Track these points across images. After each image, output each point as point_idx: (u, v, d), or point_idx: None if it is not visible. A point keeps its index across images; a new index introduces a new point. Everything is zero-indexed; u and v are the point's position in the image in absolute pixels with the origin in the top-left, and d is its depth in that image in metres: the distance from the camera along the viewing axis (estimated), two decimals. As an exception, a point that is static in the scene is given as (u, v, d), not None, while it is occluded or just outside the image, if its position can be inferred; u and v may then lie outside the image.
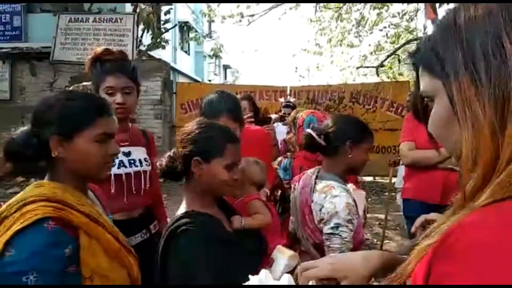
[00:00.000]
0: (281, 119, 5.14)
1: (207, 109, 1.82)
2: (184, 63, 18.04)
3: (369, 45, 13.80)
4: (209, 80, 21.14)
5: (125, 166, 1.79)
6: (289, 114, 5.06)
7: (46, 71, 9.02)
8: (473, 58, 0.55)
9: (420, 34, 11.31)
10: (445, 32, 0.61)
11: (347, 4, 10.62)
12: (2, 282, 0.97)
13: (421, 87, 0.66)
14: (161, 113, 8.11)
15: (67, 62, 8.53)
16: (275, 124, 5.10)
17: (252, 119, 2.90)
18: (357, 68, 14.39)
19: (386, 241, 4.94)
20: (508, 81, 0.52)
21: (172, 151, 1.37)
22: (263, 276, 0.90)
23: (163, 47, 10.19)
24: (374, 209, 6.78)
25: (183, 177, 1.35)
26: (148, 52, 9.99)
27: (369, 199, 7.66)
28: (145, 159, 1.87)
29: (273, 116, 5.44)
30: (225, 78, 29.14)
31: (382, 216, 6.15)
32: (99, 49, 1.80)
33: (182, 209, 1.32)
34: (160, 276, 1.20)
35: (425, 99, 0.67)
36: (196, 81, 16.68)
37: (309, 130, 1.70)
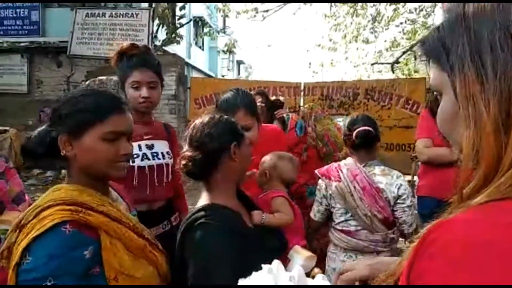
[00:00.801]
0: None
1: (223, 105, 1.82)
2: (198, 59, 18.10)
3: (385, 41, 13.60)
4: (223, 76, 21.16)
5: (148, 159, 1.83)
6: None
7: (63, 65, 9.16)
8: (480, 51, 0.53)
9: (437, 30, 11.10)
10: (453, 22, 0.58)
11: (363, -1, 10.49)
12: None
13: (431, 80, 0.64)
14: (176, 108, 8.16)
15: (84, 56, 8.68)
16: None
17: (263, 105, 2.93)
18: (372, 64, 14.21)
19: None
20: None
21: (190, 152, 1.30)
22: (275, 267, 0.88)
23: (178, 42, 10.24)
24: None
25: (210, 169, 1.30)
26: (163, 47, 10.05)
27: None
28: (167, 153, 1.92)
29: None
30: (239, 73, 29.13)
31: (396, 214, 6.11)
32: (125, 44, 1.83)
33: (201, 201, 1.31)
34: (179, 269, 1.21)
35: (435, 93, 0.65)
36: (209, 76, 16.72)
37: (367, 128, 1.98)
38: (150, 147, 1.86)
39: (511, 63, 0.51)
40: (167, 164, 1.88)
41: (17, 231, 1.03)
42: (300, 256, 1.28)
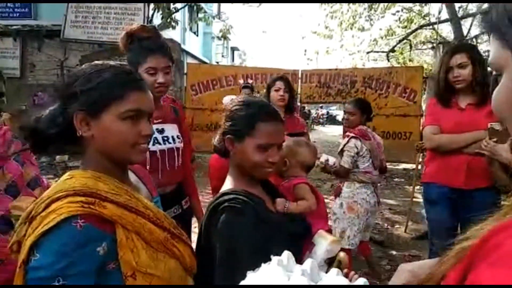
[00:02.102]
0: None
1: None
2: (193, 44, 17.89)
3: (380, 29, 13.59)
4: (217, 62, 20.97)
5: (159, 143, 1.82)
6: (248, 95, 5.26)
7: (56, 49, 8.98)
8: None
9: (433, 19, 11.10)
10: None
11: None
12: None
13: (490, 58, 0.60)
14: (173, 94, 8.09)
15: (78, 40, 8.52)
16: None
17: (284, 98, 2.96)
18: (368, 52, 14.19)
19: (397, 225, 4.97)
20: None
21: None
22: (285, 258, 0.86)
23: (173, 27, 10.09)
24: (383, 194, 6.79)
25: (228, 153, 1.32)
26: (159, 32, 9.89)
27: (379, 185, 7.67)
28: (177, 136, 1.91)
29: (232, 96, 5.64)
30: (233, 60, 28.88)
31: (392, 202, 6.18)
32: (134, 26, 1.76)
33: (226, 186, 1.30)
34: (205, 251, 1.20)
35: (494, 72, 0.61)
36: (204, 62, 16.55)
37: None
38: (161, 131, 1.85)
39: None
40: (177, 148, 1.89)
41: (27, 223, 0.96)
42: (325, 240, 1.26)
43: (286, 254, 0.88)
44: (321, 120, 24.74)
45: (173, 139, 1.89)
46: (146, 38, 1.76)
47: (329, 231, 1.39)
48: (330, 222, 3.02)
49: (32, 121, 1.05)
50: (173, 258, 1.06)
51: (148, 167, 1.72)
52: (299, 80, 7.95)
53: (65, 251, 0.88)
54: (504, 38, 0.55)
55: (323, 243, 1.25)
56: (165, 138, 1.86)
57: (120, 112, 1.01)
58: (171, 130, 1.90)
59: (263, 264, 0.85)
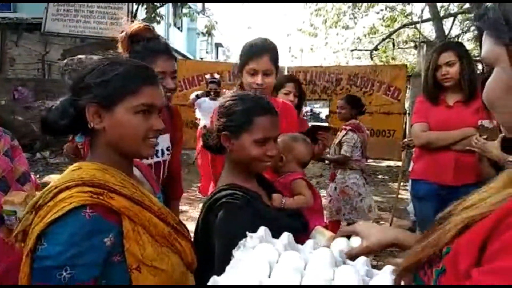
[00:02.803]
0: (207, 94, 5.48)
1: (250, 49, 1.83)
2: (177, 40, 17.70)
3: (364, 27, 13.73)
4: (201, 58, 20.82)
5: (147, 158, 1.74)
6: (215, 89, 5.40)
7: (37, 43, 8.77)
8: None
9: (415, 18, 11.28)
10: None
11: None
12: (35, 279, 0.89)
13: (483, 53, 0.65)
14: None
15: (60, 34, 8.31)
16: (202, 99, 5.42)
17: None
18: (352, 50, 14.32)
19: (382, 222, 5.05)
20: None
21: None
22: (263, 233, 0.87)
23: (158, 22, 9.96)
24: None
25: (221, 150, 1.32)
26: (142, 27, 9.75)
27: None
28: (167, 148, 1.83)
29: (198, 92, 5.75)
30: (217, 56, 28.73)
31: (376, 198, 6.26)
32: (136, 25, 1.64)
33: (221, 181, 1.30)
34: (203, 248, 1.19)
35: (486, 66, 0.67)
36: (188, 58, 16.42)
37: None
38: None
39: None
40: (164, 161, 1.81)
41: (33, 212, 0.96)
42: (323, 237, 1.27)
43: (263, 229, 0.90)
44: (304, 118, 24.85)
45: (162, 152, 1.80)
46: (150, 39, 1.65)
47: (326, 226, 1.40)
48: (325, 201, 3.47)
49: (43, 111, 1.06)
50: (175, 254, 1.07)
51: None
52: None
53: (74, 240, 0.88)
54: (499, 36, 0.60)
55: (321, 240, 1.25)
56: (155, 152, 1.76)
57: (133, 105, 1.02)
58: (163, 142, 1.80)
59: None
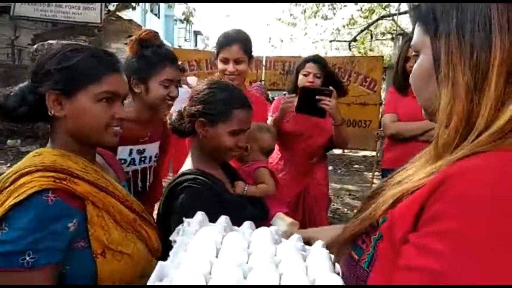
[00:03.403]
0: None
1: (223, 39, 1.96)
2: (154, 27, 17.34)
3: (343, 18, 13.82)
4: (179, 46, 20.52)
5: (135, 164, 1.74)
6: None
7: (6, 27, 8.43)
8: (464, 28, 0.62)
9: (393, 11, 11.41)
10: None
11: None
12: None
13: (413, 40, 0.72)
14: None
15: (30, 18, 8.00)
16: None
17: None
18: (330, 41, 14.41)
19: (356, 210, 5.14)
20: (488, 54, 0.60)
21: (182, 107, 1.34)
22: (201, 218, 0.89)
23: (133, 8, 9.73)
24: (344, 180, 6.99)
25: (190, 134, 1.34)
26: (117, 13, 9.51)
27: (339, 171, 7.89)
28: (155, 155, 1.84)
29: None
30: (196, 44, 28.36)
31: (352, 187, 6.38)
32: (145, 32, 1.63)
33: (186, 166, 1.31)
34: (165, 232, 1.18)
35: (414, 52, 0.73)
36: (166, 46, 16.14)
37: None
38: (141, 151, 1.77)
39: (485, 44, 0.60)
40: (150, 167, 1.83)
41: None
42: (283, 222, 1.31)
43: (201, 214, 0.90)
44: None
45: (150, 159, 1.81)
46: (159, 46, 1.65)
47: (287, 213, 1.42)
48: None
49: (1, 97, 1.02)
50: (141, 240, 1.07)
51: None
52: (263, 67, 7.95)
53: (36, 225, 0.87)
54: (426, 27, 0.68)
55: (282, 225, 1.29)
56: (143, 159, 1.78)
57: (95, 93, 1.00)
58: (152, 149, 1.81)
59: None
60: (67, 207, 0.92)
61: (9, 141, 7.67)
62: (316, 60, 2.47)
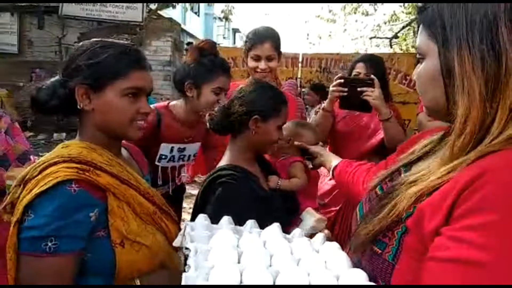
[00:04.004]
0: None
1: (253, 36, 1.98)
2: (194, 25, 17.68)
3: (384, 14, 13.45)
4: (218, 44, 20.80)
5: (174, 161, 1.87)
6: None
7: (55, 26, 8.87)
8: (473, 39, 0.64)
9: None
10: (453, 5, 0.68)
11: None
12: (22, 248, 0.92)
13: (418, 42, 0.75)
14: (171, 74, 8.03)
15: (76, 17, 8.39)
16: None
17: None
18: (371, 38, 14.03)
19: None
20: (498, 65, 0.63)
21: (224, 105, 1.40)
22: (206, 222, 0.90)
23: (174, 7, 9.94)
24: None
25: (231, 131, 1.39)
26: (158, 11, 9.76)
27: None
28: (194, 155, 1.97)
29: None
30: (234, 42, 28.59)
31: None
32: (204, 41, 1.80)
33: (224, 161, 1.37)
34: None
35: (418, 55, 0.75)
36: (205, 43, 16.38)
37: None
38: (182, 150, 1.89)
39: (494, 55, 0.63)
40: (188, 164, 1.99)
41: (21, 186, 1.00)
42: (312, 217, 1.33)
43: (203, 217, 0.92)
44: (320, 106, 24.59)
45: (189, 158, 1.94)
46: (214, 55, 1.79)
47: (317, 209, 1.44)
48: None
49: (33, 90, 1.08)
50: (160, 232, 1.10)
51: (160, 182, 1.83)
52: (299, 64, 7.88)
53: (60, 212, 0.91)
54: (432, 32, 0.70)
55: (310, 220, 1.33)
56: (182, 157, 1.90)
57: (122, 88, 1.04)
58: (192, 149, 1.94)
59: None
60: (89, 198, 0.96)
61: (55, 135, 8.09)
62: (366, 59, 2.30)
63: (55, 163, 0.97)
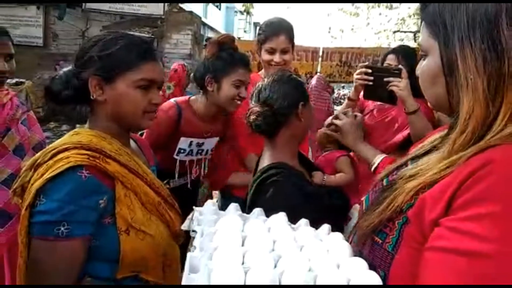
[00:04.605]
0: None
1: (266, 28, 1.95)
2: (215, 18, 17.70)
3: (409, 8, 13.10)
4: (238, 38, 20.78)
5: (192, 155, 1.88)
6: None
7: (79, 19, 9.03)
8: (475, 37, 0.65)
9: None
10: (455, 4, 0.68)
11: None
12: (35, 232, 0.94)
13: (420, 40, 0.76)
14: (191, 67, 8.07)
15: (100, 11, 8.53)
16: None
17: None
18: (394, 32, 13.74)
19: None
20: (501, 62, 0.63)
21: (263, 106, 1.31)
22: (214, 207, 0.89)
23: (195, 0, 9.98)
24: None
25: (279, 128, 1.31)
26: (179, 5, 9.81)
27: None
28: (211, 149, 1.97)
29: None
30: (255, 36, 28.51)
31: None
32: (224, 36, 1.80)
33: (266, 160, 1.31)
34: None
35: (421, 52, 0.76)
36: (225, 37, 16.39)
37: None
38: (200, 144, 1.90)
39: (494, 53, 0.63)
40: (205, 159, 1.99)
41: (32, 170, 1.01)
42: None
43: (211, 202, 0.92)
44: (342, 101, 24.34)
45: (206, 152, 1.95)
46: (234, 49, 1.79)
47: None
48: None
49: (46, 80, 1.11)
50: (163, 223, 1.11)
51: (176, 176, 1.86)
52: (320, 58, 7.77)
53: (71, 198, 0.93)
54: (434, 31, 0.71)
55: (357, 216, 1.26)
56: (200, 151, 1.91)
57: (133, 80, 1.05)
58: (210, 143, 1.95)
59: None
60: (99, 184, 0.98)
61: (77, 126, 8.27)
62: (398, 51, 2.22)
63: (66, 149, 0.98)
